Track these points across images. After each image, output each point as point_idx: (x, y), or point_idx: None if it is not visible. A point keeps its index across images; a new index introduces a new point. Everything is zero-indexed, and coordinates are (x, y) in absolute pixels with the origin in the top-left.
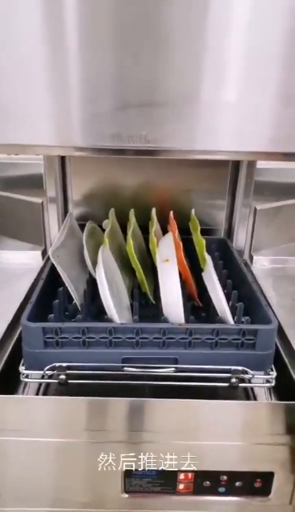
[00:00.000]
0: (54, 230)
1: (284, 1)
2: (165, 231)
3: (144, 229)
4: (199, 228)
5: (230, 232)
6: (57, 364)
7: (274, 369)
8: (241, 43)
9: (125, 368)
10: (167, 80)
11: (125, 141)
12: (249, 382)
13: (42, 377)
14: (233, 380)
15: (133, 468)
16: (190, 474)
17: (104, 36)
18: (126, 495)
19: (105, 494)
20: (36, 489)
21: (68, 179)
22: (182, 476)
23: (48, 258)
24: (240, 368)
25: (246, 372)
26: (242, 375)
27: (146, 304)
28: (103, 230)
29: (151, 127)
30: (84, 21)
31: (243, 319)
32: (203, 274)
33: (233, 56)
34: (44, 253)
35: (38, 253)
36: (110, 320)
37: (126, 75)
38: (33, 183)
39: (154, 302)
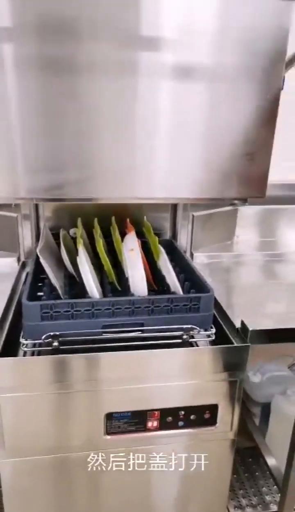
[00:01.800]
0: (27, 240)
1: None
2: (122, 236)
3: (105, 232)
4: (152, 230)
5: (174, 235)
6: (52, 333)
7: (213, 326)
8: (168, 118)
9: (104, 334)
10: (105, 152)
11: (64, 193)
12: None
13: (40, 345)
14: (185, 336)
15: (113, 411)
16: (156, 413)
17: (41, 111)
18: (108, 437)
19: (91, 437)
20: (33, 440)
21: None
22: (150, 415)
23: (23, 263)
24: (189, 326)
25: (194, 329)
26: (190, 332)
27: (113, 290)
28: (71, 237)
29: (89, 183)
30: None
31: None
32: (158, 261)
33: (162, 129)
34: (18, 259)
35: (13, 260)
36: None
37: (66, 143)
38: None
39: (119, 288)
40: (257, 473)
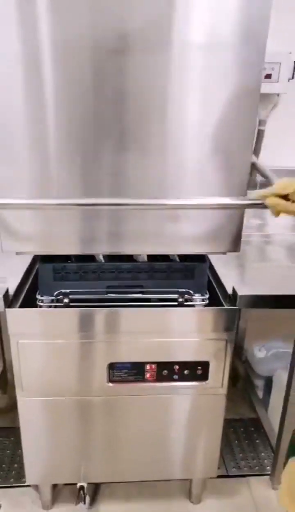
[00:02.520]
0: None
1: None
2: None
3: None
4: None
5: None
6: (63, 291)
7: (207, 292)
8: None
9: (108, 294)
10: (136, 218)
11: (96, 249)
12: (191, 301)
13: (52, 301)
14: (180, 300)
15: (115, 361)
16: (153, 365)
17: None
18: (111, 384)
19: (96, 384)
20: (46, 382)
21: None
22: (147, 366)
23: None
24: (184, 290)
25: (189, 294)
26: (186, 296)
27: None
28: None
29: (119, 240)
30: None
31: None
32: None
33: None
34: None
35: None
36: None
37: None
38: None
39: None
40: (257, 441)
